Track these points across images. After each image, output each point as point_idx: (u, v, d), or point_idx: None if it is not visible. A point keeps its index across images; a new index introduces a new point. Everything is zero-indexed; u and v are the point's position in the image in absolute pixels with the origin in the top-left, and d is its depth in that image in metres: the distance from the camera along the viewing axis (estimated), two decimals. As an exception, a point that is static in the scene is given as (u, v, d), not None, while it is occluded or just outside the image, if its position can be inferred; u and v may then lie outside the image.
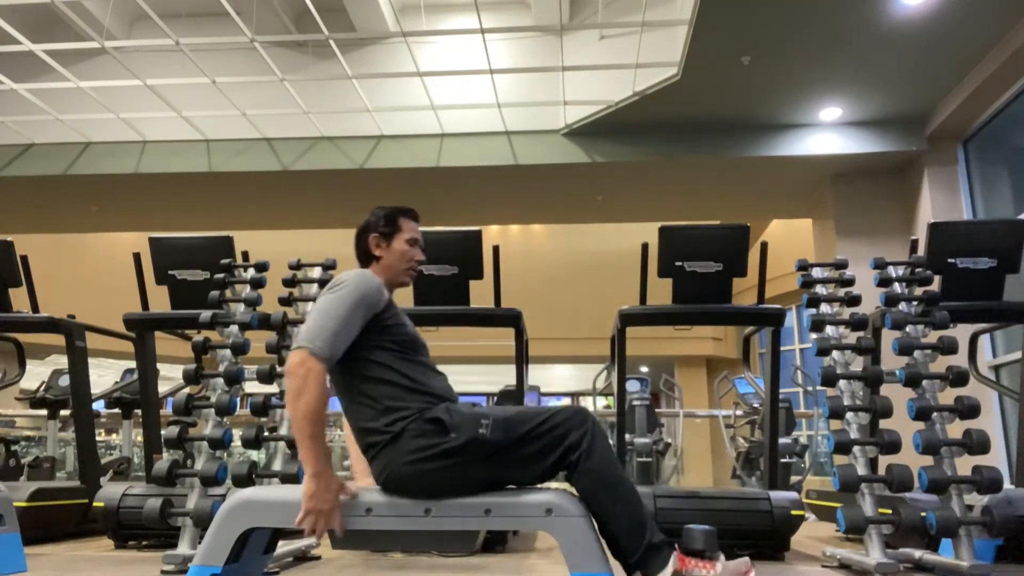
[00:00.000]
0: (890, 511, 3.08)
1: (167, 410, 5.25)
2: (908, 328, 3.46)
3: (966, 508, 3.06)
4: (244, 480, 3.23)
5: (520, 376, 4.38)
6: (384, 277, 2.10)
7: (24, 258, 4.45)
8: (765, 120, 7.53)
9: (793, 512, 3.55)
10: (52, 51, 7.13)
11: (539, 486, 1.88)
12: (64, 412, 5.73)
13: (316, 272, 4.06)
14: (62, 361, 6.55)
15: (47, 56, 7.04)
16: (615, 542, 1.77)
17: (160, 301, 4.34)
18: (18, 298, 4.52)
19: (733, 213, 9.73)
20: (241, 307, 3.77)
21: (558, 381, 15.12)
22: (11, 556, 2.76)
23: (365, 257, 2.15)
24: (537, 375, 10.50)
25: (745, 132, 7.62)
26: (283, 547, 3.29)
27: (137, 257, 4.41)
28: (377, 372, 1.89)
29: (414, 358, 1.95)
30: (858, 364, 3.58)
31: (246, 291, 3.84)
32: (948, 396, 3.24)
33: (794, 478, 6.41)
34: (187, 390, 3.73)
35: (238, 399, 3.56)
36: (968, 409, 3.15)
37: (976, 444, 3.08)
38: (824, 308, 3.69)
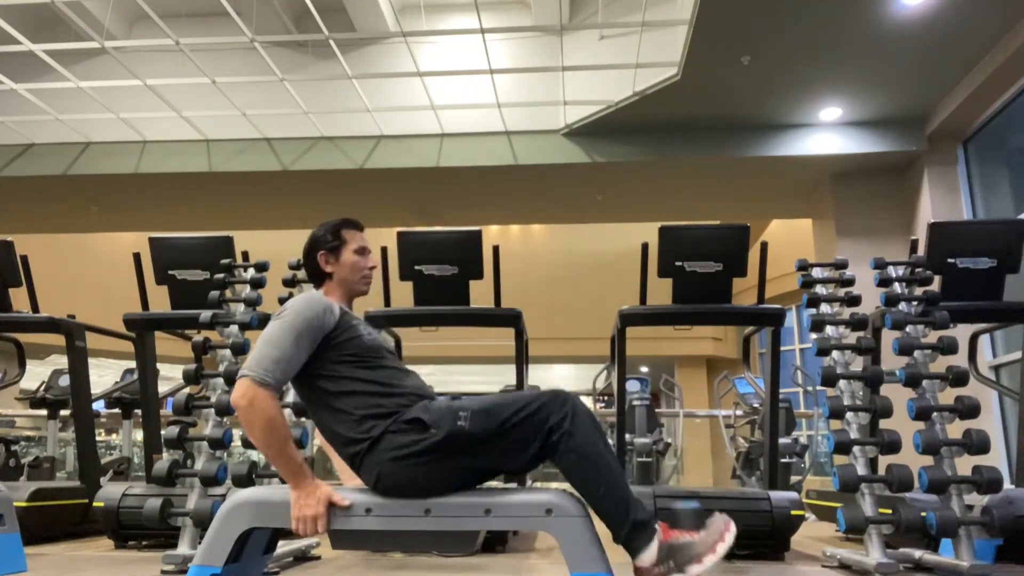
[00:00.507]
0: (890, 511, 3.08)
1: (167, 410, 5.25)
2: (908, 328, 3.46)
3: (966, 508, 3.06)
4: (244, 480, 3.23)
5: (520, 376, 4.38)
6: (340, 292, 2.13)
7: (24, 258, 4.44)
8: (765, 120, 7.53)
9: (793, 512, 3.55)
10: (52, 51, 7.13)
11: (539, 487, 1.88)
12: (64, 412, 5.73)
13: (316, 272, 4.05)
14: (62, 361, 6.55)
15: (47, 56, 7.04)
16: (602, 520, 1.79)
17: (160, 301, 4.34)
18: (18, 298, 4.52)
19: (733, 213, 9.73)
20: (241, 307, 3.77)
21: (558, 381, 15.13)
22: (11, 556, 2.76)
23: (317, 276, 2.16)
24: (537, 375, 10.50)
25: (745, 132, 7.62)
26: (283, 547, 3.29)
27: (137, 257, 4.41)
28: (343, 386, 1.91)
29: (378, 363, 1.96)
30: (858, 364, 3.58)
31: (246, 291, 3.84)
32: (948, 396, 3.24)
33: (794, 478, 6.41)
34: (187, 390, 3.73)
35: (238, 399, 3.55)
36: (968, 409, 3.15)
37: (976, 444, 3.08)
38: (824, 308, 3.69)
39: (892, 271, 3.72)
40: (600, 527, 1.79)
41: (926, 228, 3.82)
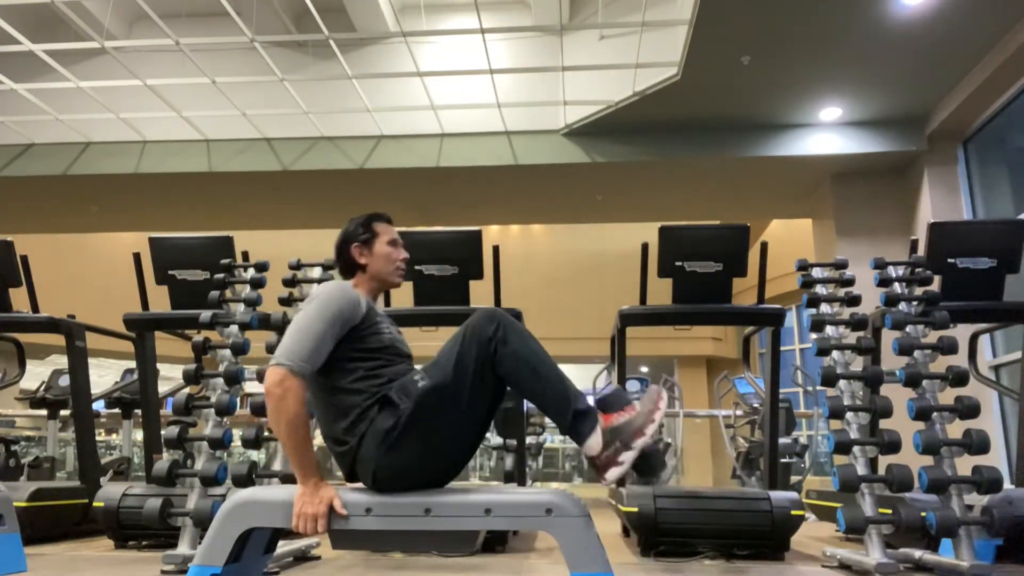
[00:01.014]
0: (890, 511, 3.08)
1: (167, 410, 5.25)
2: (908, 328, 3.46)
3: (966, 508, 3.06)
4: (244, 480, 3.23)
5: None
6: (374, 284, 2.16)
7: (24, 258, 4.44)
8: (765, 120, 7.53)
9: (793, 512, 3.55)
10: (52, 51, 7.13)
11: (539, 487, 1.89)
12: (64, 412, 5.73)
13: (316, 272, 4.07)
14: (62, 361, 6.56)
15: (47, 56, 7.04)
16: (546, 415, 1.88)
17: (160, 301, 4.34)
18: (18, 298, 4.52)
19: (733, 213, 9.73)
20: (241, 307, 3.77)
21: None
22: (11, 556, 2.76)
23: (349, 268, 2.18)
24: (537, 375, 10.42)
25: (745, 132, 7.62)
26: (283, 547, 3.29)
27: (137, 257, 4.41)
28: (349, 381, 1.91)
29: (390, 362, 1.97)
30: (858, 364, 3.59)
31: (246, 291, 3.84)
32: (948, 396, 3.24)
33: (794, 478, 6.42)
34: (187, 390, 3.73)
35: (238, 399, 3.56)
36: (968, 409, 3.15)
37: (976, 444, 3.08)
38: (824, 308, 3.69)
39: (892, 271, 3.72)
40: (600, 527, 1.79)
41: (926, 228, 3.82)
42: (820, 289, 3.76)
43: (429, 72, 7.61)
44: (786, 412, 6.22)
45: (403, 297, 4.33)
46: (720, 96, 7.06)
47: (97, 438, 5.48)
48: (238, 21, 6.56)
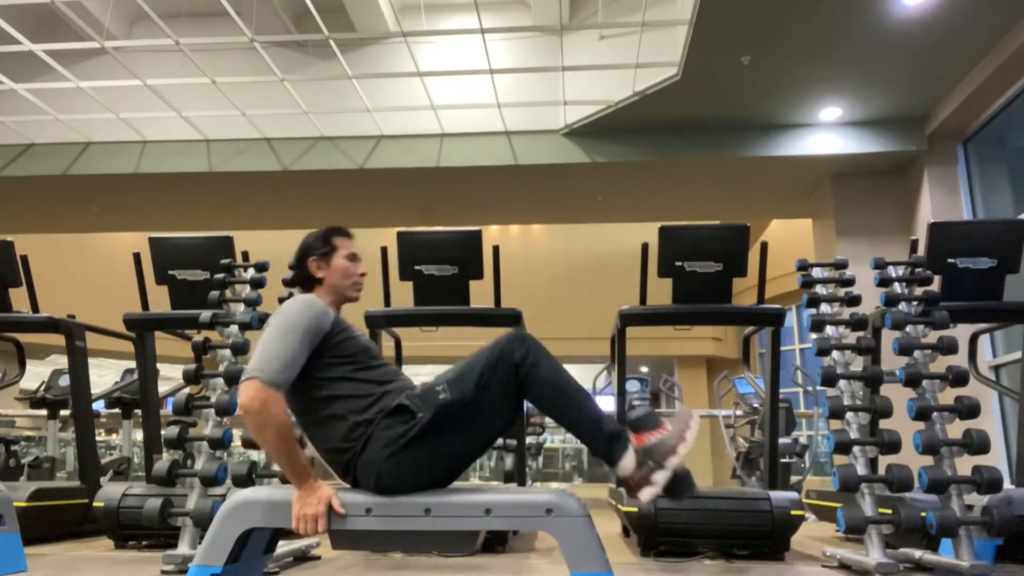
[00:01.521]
0: (890, 511, 3.08)
1: (167, 410, 5.25)
2: (908, 328, 3.46)
3: (966, 508, 3.06)
4: (244, 480, 3.23)
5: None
6: (331, 297, 2.14)
7: (24, 258, 4.44)
8: (765, 120, 7.53)
9: (793, 512, 3.55)
10: (52, 51, 7.13)
11: (539, 487, 1.89)
12: (64, 412, 5.73)
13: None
14: (62, 361, 6.56)
15: (47, 56, 7.04)
16: (579, 439, 1.90)
17: (160, 301, 4.34)
18: (18, 298, 4.52)
19: (733, 213, 9.73)
20: (241, 307, 3.77)
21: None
22: (11, 556, 2.76)
23: (307, 282, 2.18)
24: (537, 375, 10.42)
25: (745, 132, 7.62)
26: (283, 547, 3.29)
27: (137, 257, 4.41)
28: (335, 390, 1.92)
29: (368, 364, 1.98)
30: (858, 364, 3.59)
31: (246, 291, 3.84)
32: (948, 396, 3.24)
33: (794, 478, 6.42)
34: (187, 390, 3.73)
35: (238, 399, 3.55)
36: (968, 409, 3.15)
37: (976, 444, 3.08)
38: (824, 308, 3.69)
39: (892, 271, 3.72)
40: (600, 527, 1.79)
41: (926, 228, 3.82)
42: (820, 289, 3.75)
43: (429, 72, 7.61)
44: (786, 412, 6.22)
45: (403, 297, 4.34)
46: (720, 96, 7.06)
47: (97, 438, 5.48)
48: (238, 21, 6.56)
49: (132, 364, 5.55)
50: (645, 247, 4.20)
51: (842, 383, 3.42)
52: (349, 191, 8.90)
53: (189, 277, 4.17)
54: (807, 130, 7.57)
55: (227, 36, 7.18)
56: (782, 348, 4.32)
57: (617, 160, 7.89)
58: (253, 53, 7.26)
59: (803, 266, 3.86)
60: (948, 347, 3.37)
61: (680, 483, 1.82)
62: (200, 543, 2.19)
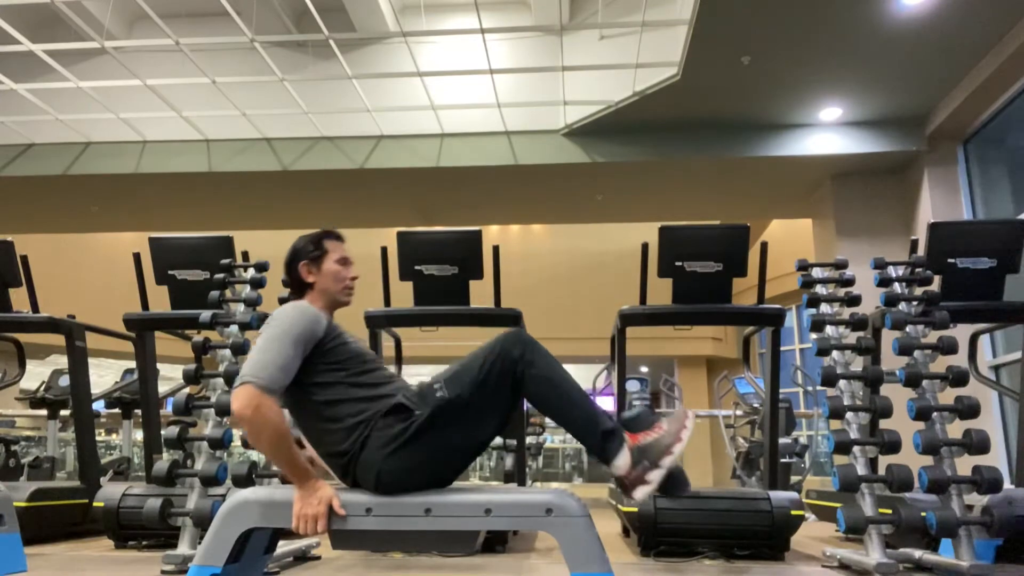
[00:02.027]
0: (890, 511, 3.08)
1: (167, 410, 5.25)
2: (908, 328, 3.46)
3: (966, 508, 3.06)
4: (244, 480, 3.23)
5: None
6: (322, 302, 2.12)
7: (24, 258, 4.44)
8: (765, 120, 7.53)
9: (793, 512, 3.55)
10: (52, 51, 7.13)
11: (539, 487, 1.89)
12: (64, 412, 5.73)
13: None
14: (62, 361, 6.55)
15: (47, 56, 7.04)
16: (575, 437, 1.90)
17: (160, 301, 4.34)
18: (18, 298, 4.52)
19: (733, 213, 9.73)
20: (241, 307, 3.77)
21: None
22: (11, 556, 2.76)
23: (299, 287, 2.16)
24: (537, 375, 10.42)
25: (745, 132, 7.62)
26: (283, 547, 3.29)
27: (137, 257, 4.41)
28: (332, 394, 1.92)
29: (362, 368, 1.98)
30: (858, 364, 3.59)
31: (246, 291, 3.84)
32: (948, 396, 3.24)
33: (794, 478, 6.42)
34: (187, 390, 3.73)
35: (238, 399, 3.55)
36: (968, 409, 3.15)
37: (976, 444, 3.08)
38: (824, 308, 3.69)
39: (892, 271, 3.72)
40: (600, 527, 1.79)
41: (926, 228, 3.82)
42: (820, 289, 3.76)
43: (429, 72, 7.61)
44: (786, 412, 6.22)
45: (403, 297, 4.34)
46: (720, 96, 7.06)
47: (97, 438, 5.48)
48: (238, 21, 6.56)
49: (132, 364, 5.55)
50: (645, 247, 4.20)
51: (842, 383, 3.42)
52: (349, 191, 8.90)
53: (189, 277, 4.17)
54: (807, 130, 7.57)
55: (227, 36, 7.18)
56: (782, 348, 4.32)
57: (617, 160, 7.89)
58: (253, 53, 7.26)
59: (803, 266, 3.86)
60: (948, 347, 3.37)
61: (675, 482, 1.82)
62: (200, 543, 2.19)
